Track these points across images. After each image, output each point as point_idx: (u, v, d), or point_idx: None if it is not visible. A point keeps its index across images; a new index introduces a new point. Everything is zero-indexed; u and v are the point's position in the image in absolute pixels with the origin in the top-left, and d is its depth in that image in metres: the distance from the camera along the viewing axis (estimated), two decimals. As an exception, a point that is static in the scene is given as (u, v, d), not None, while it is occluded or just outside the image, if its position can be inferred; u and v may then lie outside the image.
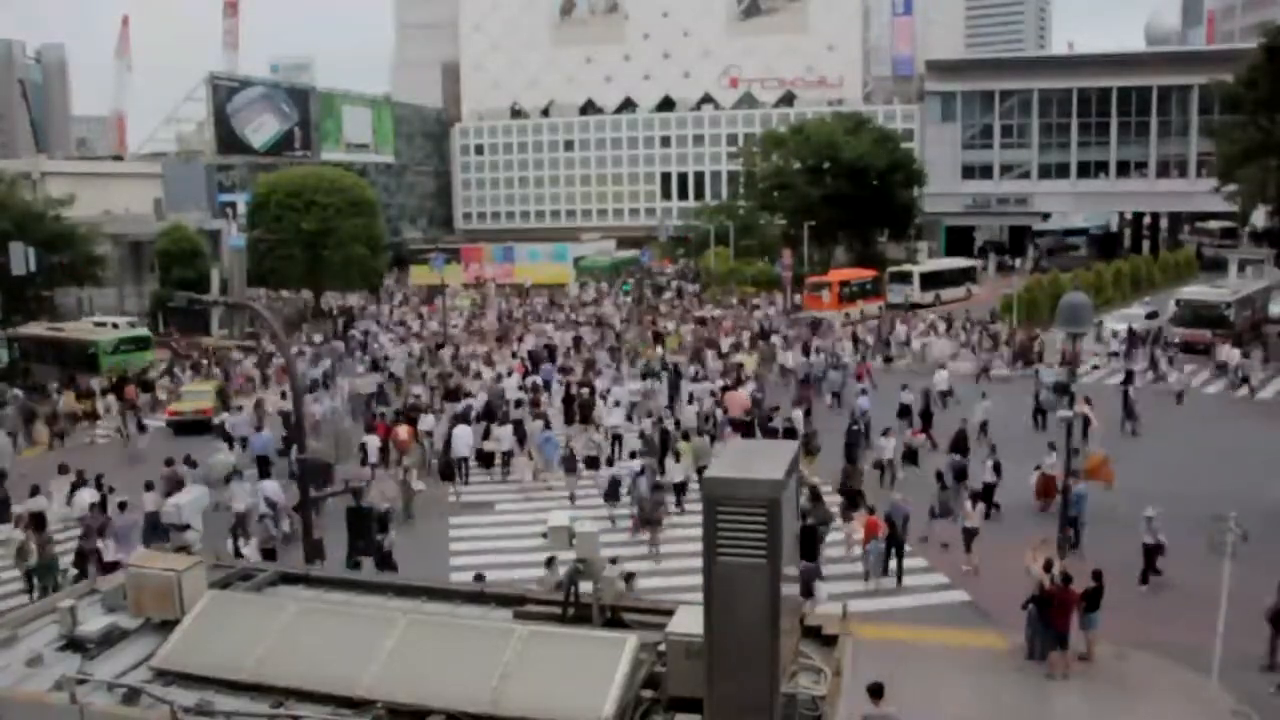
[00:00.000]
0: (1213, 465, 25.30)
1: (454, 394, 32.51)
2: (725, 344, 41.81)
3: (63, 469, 24.61)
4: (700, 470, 22.44)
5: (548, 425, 28.08)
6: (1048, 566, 16.02)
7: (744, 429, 27.19)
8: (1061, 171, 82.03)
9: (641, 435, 26.80)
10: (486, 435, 27.60)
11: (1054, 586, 15.55)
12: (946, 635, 16.39)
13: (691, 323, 50.41)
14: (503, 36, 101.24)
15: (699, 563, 5.70)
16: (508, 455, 26.87)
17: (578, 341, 44.44)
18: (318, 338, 48.10)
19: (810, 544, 14.79)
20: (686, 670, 6.09)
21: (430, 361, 40.36)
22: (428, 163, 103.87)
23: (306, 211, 57.97)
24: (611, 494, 22.66)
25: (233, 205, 67.21)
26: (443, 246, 76.44)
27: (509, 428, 27.54)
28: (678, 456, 24.22)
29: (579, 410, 30.47)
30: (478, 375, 37.12)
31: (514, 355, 41.54)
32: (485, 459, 27.08)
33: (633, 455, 24.14)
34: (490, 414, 29.23)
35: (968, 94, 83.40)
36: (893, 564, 19.25)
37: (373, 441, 26.96)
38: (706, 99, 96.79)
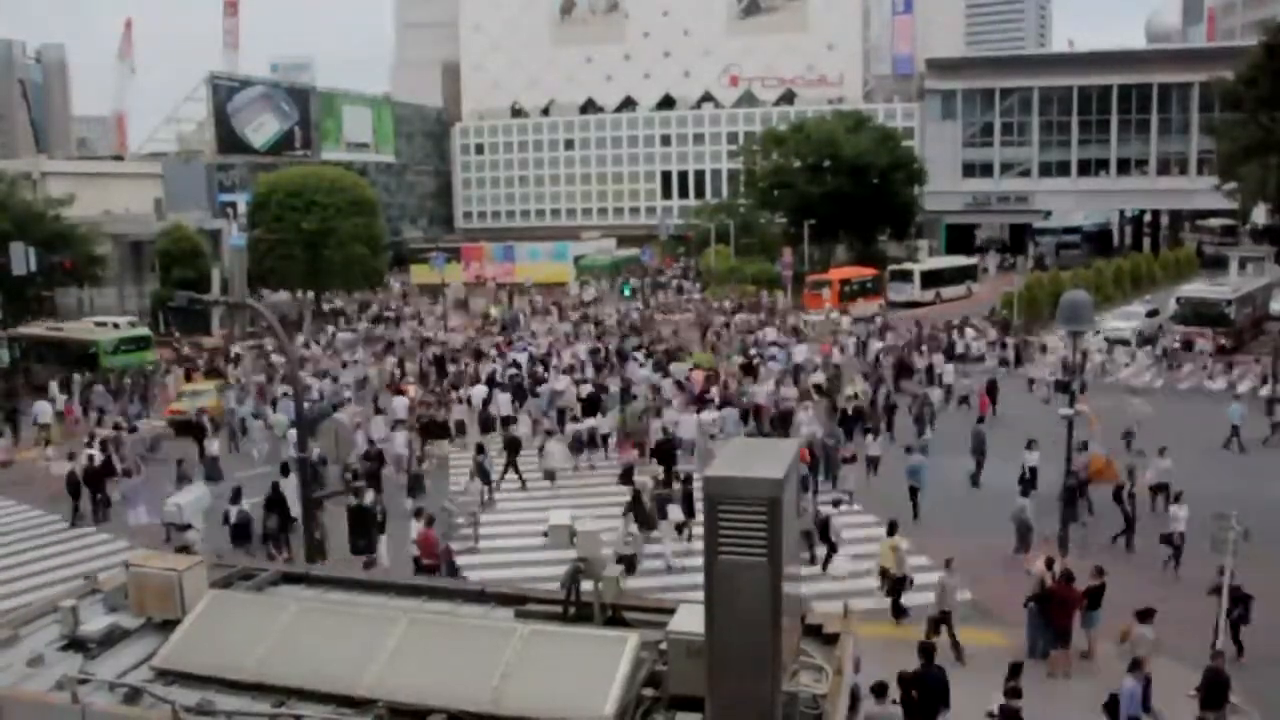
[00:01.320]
0: (1216, 464, 25.27)
1: (438, 427, 28.94)
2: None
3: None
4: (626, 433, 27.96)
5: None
6: (1049, 564, 16.03)
7: (699, 401, 30.33)
8: (1062, 169, 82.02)
9: (581, 399, 30.88)
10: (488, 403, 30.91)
11: (1056, 585, 15.55)
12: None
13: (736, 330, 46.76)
14: (503, 36, 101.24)
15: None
16: (507, 420, 29.64)
17: (596, 354, 39.87)
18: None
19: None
20: (688, 669, 6.09)
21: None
22: (428, 162, 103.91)
23: (307, 211, 58.02)
24: (576, 448, 26.70)
25: (233, 205, 67.31)
26: (443, 246, 76.45)
27: (507, 396, 31.43)
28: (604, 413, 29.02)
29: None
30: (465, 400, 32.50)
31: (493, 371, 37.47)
32: (487, 424, 29.58)
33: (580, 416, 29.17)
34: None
35: (968, 92, 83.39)
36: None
37: (400, 401, 30.94)
38: (707, 98, 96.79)
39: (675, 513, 20.96)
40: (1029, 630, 15.78)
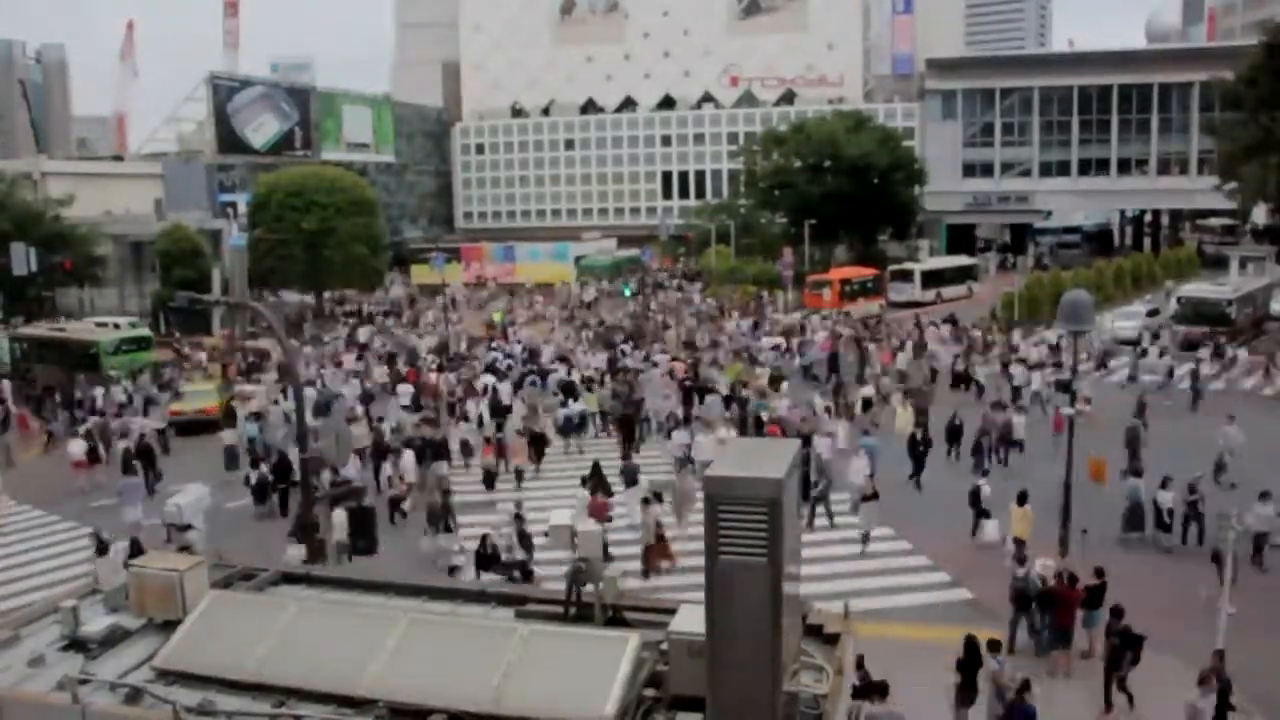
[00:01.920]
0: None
1: (434, 448, 26.38)
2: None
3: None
4: (602, 413, 31.10)
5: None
6: (1020, 560, 16.26)
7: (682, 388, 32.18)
8: (1062, 169, 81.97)
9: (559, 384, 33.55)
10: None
11: (1058, 585, 15.56)
12: (949, 633, 16.36)
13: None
14: (503, 36, 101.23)
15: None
16: (507, 409, 31.14)
17: (614, 363, 37.82)
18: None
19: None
20: (688, 669, 6.09)
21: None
22: (428, 162, 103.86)
23: (307, 211, 57.97)
24: (566, 429, 29.32)
25: (233, 205, 67.20)
26: (443, 246, 76.42)
27: (507, 385, 33.85)
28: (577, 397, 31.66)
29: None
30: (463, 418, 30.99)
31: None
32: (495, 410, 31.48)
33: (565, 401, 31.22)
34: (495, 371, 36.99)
35: (968, 92, 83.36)
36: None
37: (405, 389, 33.75)
38: (707, 98, 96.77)
39: (641, 480, 23.02)
40: (1011, 627, 16.02)
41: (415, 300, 67.43)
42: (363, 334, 51.15)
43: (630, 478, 23.14)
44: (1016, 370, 33.48)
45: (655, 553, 19.71)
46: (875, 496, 21.16)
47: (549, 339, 46.37)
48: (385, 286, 70.74)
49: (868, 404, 30.58)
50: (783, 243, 65.45)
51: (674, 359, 37.36)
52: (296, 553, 19.44)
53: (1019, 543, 18.40)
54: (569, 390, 32.45)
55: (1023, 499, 19.15)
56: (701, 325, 49.23)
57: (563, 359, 39.22)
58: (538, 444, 27.22)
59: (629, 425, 28.30)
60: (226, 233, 59.87)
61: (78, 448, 27.85)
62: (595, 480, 22.37)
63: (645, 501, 20.19)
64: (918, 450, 25.00)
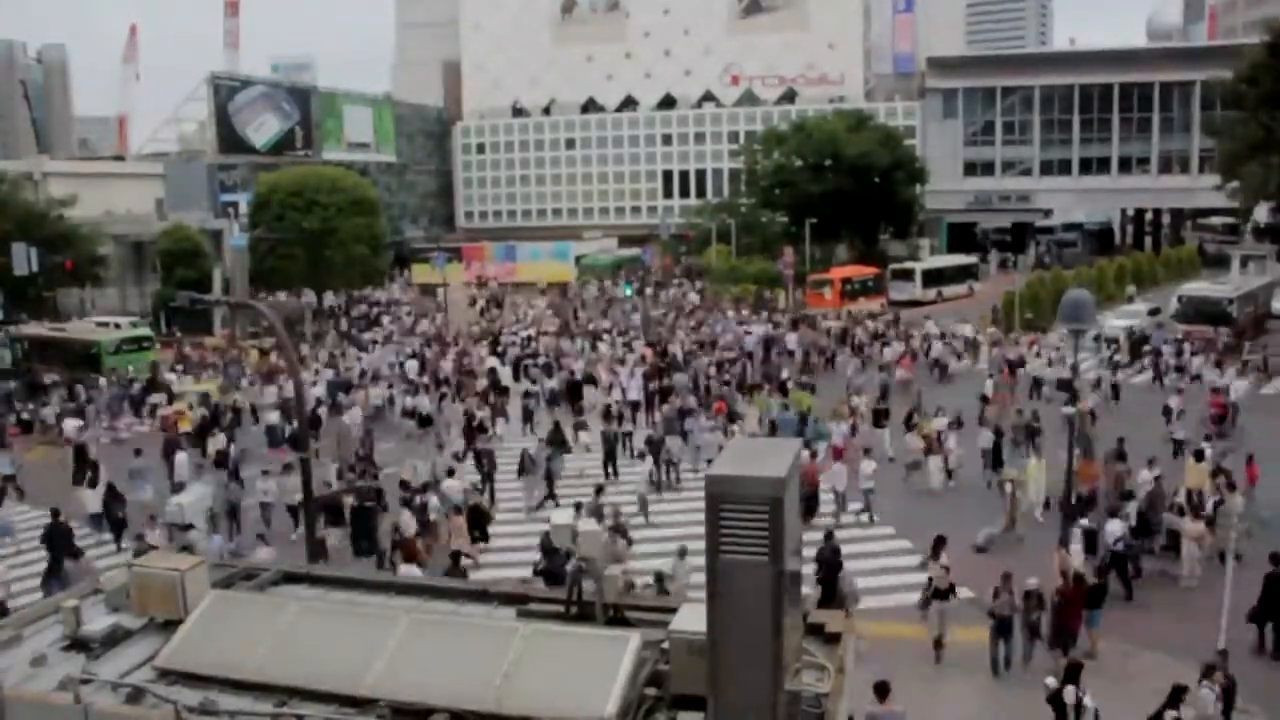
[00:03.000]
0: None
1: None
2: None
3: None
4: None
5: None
6: (1006, 581, 15.69)
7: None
8: (1063, 168, 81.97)
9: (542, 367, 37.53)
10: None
11: (1065, 586, 15.55)
12: (950, 633, 16.35)
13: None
14: (504, 35, 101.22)
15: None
16: (508, 390, 34.46)
17: (649, 380, 33.31)
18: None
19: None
20: (690, 668, 6.08)
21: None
22: (429, 162, 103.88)
23: (308, 211, 57.90)
24: (552, 402, 33.09)
25: (234, 205, 67.19)
26: (444, 245, 76.41)
27: (508, 369, 37.99)
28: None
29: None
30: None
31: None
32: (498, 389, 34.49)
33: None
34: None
35: (969, 91, 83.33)
36: None
37: (411, 365, 38.01)
38: (708, 97, 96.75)
39: (585, 437, 28.22)
40: (992, 647, 15.34)
41: (440, 306, 65.10)
42: (384, 321, 54.41)
43: (581, 425, 28.90)
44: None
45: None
46: (952, 592, 16.49)
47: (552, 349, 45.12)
48: (371, 289, 70.36)
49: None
50: (783, 242, 65.35)
51: (648, 344, 40.86)
52: (196, 536, 19.38)
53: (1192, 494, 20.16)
54: (549, 371, 36.89)
55: (1199, 455, 21.26)
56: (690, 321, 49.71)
57: (590, 379, 35.40)
58: (479, 521, 21.28)
59: (577, 392, 33.32)
60: (227, 233, 59.84)
61: (71, 426, 30.92)
62: (554, 436, 26.55)
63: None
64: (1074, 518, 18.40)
